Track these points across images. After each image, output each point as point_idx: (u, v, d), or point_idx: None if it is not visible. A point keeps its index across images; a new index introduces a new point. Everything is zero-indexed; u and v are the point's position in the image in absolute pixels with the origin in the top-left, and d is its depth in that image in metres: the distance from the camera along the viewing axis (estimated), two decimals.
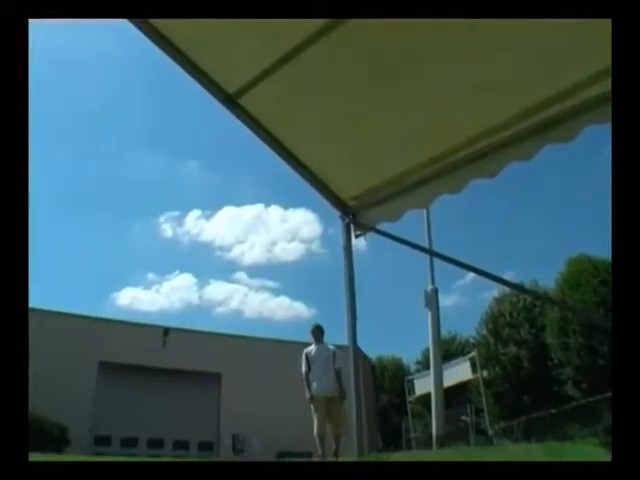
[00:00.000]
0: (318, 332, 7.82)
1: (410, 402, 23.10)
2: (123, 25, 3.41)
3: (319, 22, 3.35)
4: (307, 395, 7.37)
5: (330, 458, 6.98)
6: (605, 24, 2.65)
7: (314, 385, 7.39)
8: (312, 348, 7.68)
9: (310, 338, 7.87)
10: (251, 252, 51.75)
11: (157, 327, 22.23)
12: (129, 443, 19.42)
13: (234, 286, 49.43)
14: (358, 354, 4.84)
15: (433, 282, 14.19)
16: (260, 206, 54.31)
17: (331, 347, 7.64)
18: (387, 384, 32.89)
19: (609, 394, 15.04)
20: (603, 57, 3.27)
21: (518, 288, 15.38)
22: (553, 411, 18.10)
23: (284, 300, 50.44)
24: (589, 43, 3.26)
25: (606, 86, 3.37)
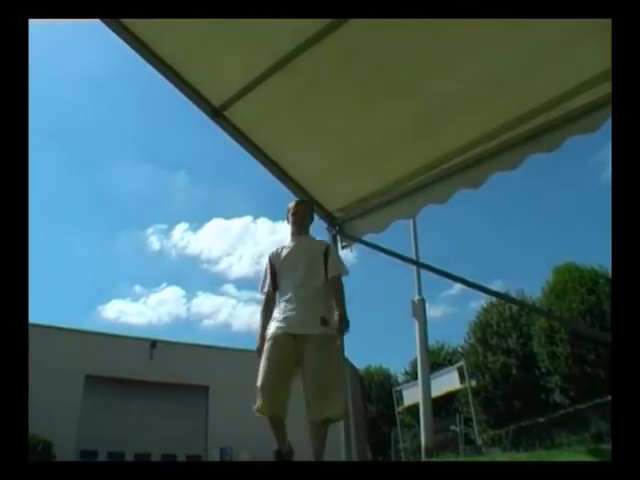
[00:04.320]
0: (302, 211, 3.90)
1: (399, 412, 23.05)
2: (111, 36, 3.44)
3: (307, 31, 3.38)
4: (258, 337, 3.63)
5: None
6: (593, 34, 2.70)
7: (276, 313, 3.62)
8: (286, 246, 3.84)
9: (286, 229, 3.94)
10: (239, 264, 51.35)
11: (144, 340, 22.01)
12: (116, 458, 19.14)
13: (222, 299, 49.39)
14: (346, 365, 4.84)
15: (420, 292, 14.22)
16: (248, 218, 54.07)
17: (320, 240, 3.97)
18: (375, 395, 32.75)
19: (596, 401, 15.12)
20: (588, 68, 3.33)
21: (504, 298, 15.43)
22: (541, 419, 18.12)
23: None
24: (576, 53, 3.31)
25: (589, 97, 3.43)
